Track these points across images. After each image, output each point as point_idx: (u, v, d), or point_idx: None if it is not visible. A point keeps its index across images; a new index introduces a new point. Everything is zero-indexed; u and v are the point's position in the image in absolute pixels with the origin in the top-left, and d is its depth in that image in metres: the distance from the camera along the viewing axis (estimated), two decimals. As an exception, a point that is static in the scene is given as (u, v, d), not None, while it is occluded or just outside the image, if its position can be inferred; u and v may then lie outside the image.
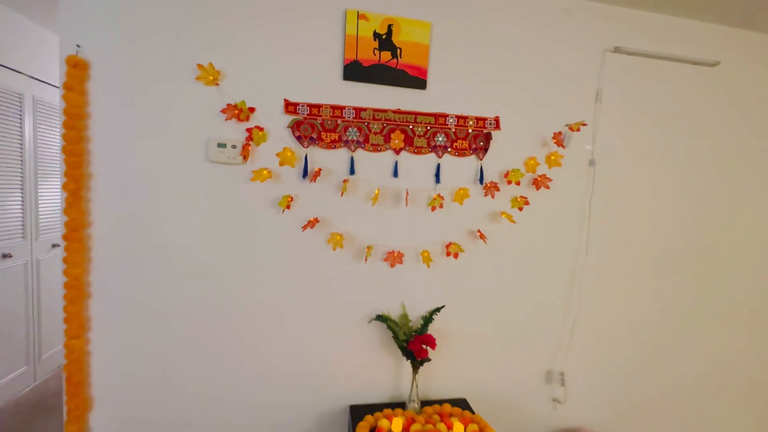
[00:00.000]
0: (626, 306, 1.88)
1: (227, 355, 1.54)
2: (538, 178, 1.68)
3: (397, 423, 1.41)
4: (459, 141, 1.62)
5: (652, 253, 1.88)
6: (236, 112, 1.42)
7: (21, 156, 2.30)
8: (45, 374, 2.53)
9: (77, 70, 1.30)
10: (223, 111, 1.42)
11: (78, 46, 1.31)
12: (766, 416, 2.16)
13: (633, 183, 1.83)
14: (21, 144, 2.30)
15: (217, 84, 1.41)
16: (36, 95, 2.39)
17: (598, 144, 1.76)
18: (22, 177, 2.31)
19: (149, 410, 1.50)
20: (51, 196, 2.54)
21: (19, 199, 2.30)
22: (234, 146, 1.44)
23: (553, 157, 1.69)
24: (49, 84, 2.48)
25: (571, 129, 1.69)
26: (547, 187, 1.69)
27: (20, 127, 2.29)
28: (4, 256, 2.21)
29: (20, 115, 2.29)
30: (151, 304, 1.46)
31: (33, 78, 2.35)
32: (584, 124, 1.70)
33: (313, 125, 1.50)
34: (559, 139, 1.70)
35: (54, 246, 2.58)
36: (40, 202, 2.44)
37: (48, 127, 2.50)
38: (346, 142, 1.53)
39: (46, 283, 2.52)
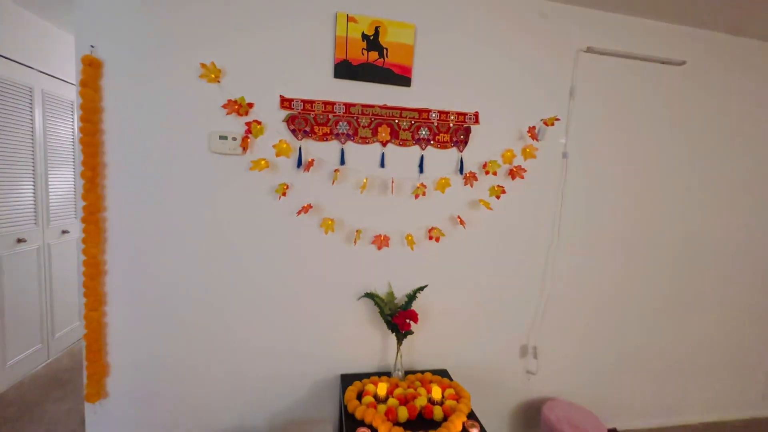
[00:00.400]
0: (594, 286, 2.05)
1: (229, 328, 1.70)
2: (514, 169, 1.83)
3: (382, 387, 1.58)
4: (441, 134, 1.76)
5: (619, 238, 2.05)
6: (236, 107, 1.56)
7: (32, 146, 2.43)
8: (58, 352, 2.70)
9: (92, 69, 1.43)
10: (224, 106, 1.56)
11: (92, 46, 1.45)
12: (714, 386, 2.35)
13: (603, 174, 1.98)
14: (32, 135, 2.43)
15: (219, 81, 1.55)
16: (45, 89, 2.51)
17: (571, 138, 1.90)
18: (33, 166, 2.45)
19: (159, 375, 1.67)
20: (60, 185, 2.68)
21: (31, 187, 2.44)
22: (234, 138, 1.58)
23: (528, 150, 1.84)
24: (56, 78, 2.60)
25: (545, 123, 1.83)
26: (522, 177, 1.84)
27: (31, 119, 2.42)
28: (19, 240, 2.36)
29: (30, 107, 2.41)
30: (160, 281, 1.61)
31: (42, 72, 2.47)
32: (558, 119, 1.85)
33: (307, 119, 1.64)
34: (534, 132, 1.84)
35: (64, 232, 2.73)
36: (50, 190, 2.58)
37: (56, 119, 2.62)
38: (337, 135, 1.67)
39: (56, 267, 2.67)
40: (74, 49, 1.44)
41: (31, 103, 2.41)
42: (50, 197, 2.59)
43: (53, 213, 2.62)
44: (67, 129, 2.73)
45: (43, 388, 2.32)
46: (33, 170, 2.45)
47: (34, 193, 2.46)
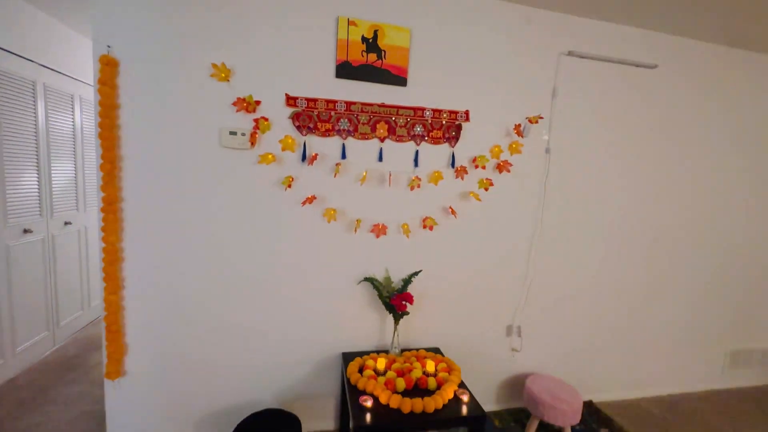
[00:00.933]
0: (573, 271, 2.24)
1: (238, 309, 1.83)
2: (502, 163, 1.99)
3: (381, 362, 1.74)
4: (434, 131, 1.90)
5: (597, 228, 2.24)
6: (245, 104, 1.67)
7: (35, 139, 2.49)
8: (63, 339, 2.78)
9: (109, 68, 1.53)
10: (234, 104, 1.67)
11: (109, 46, 1.54)
12: (680, 362, 2.59)
13: (582, 168, 2.15)
14: (35, 128, 2.48)
15: (228, 80, 1.65)
16: (46, 82, 2.55)
17: (553, 134, 2.07)
18: (37, 158, 2.50)
19: (173, 355, 1.79)
20: (62, 177, 2.73)
21: (36, 178, 2.50)
22: (243, 134, 1.69)
23: (514, 146, 2.00)
24: (58, 72, 2.64)
25: (530, 121, 1.99)
26: (509, 171, 2.00)
27: (34, 113, 2.47)
28: (25, 231, 2.42)
29: (33, 101, 2.46)
30: (174, 267, 1.73)
31: (44, 66, 2.51)
32: (541, 117, 2.01)
33: (311, 116, 1.76)
34: (519, 130, 2.00)
35: (66, 223, 2.79)
36: (53, 182, 2.64)
37: (57, 112, 2.67)
38: (339, 131, 1.80)
39: (60, 257, 2.74)
40: (92, 49, 1.53)
41: (34, 97, 2.46)
42: (53, 189, 2.65)
43: (56, 205, 2.69)
44: (67, 122, 2.79)
45: (53, 373, 2.42)
46: (37, 162, 2.51)
47: (38, 184, 2.52)
